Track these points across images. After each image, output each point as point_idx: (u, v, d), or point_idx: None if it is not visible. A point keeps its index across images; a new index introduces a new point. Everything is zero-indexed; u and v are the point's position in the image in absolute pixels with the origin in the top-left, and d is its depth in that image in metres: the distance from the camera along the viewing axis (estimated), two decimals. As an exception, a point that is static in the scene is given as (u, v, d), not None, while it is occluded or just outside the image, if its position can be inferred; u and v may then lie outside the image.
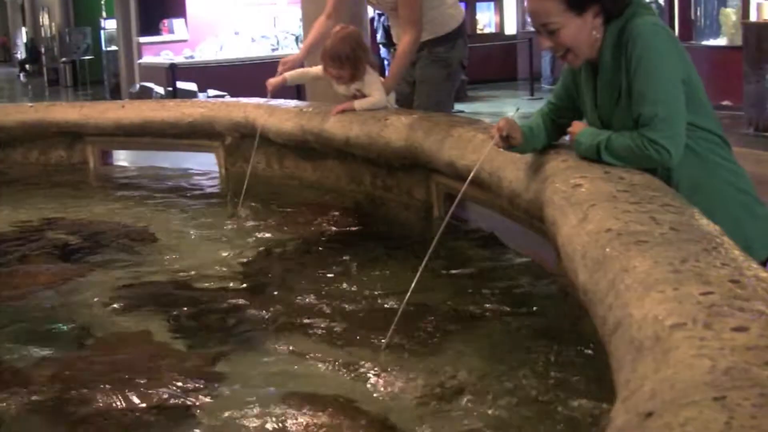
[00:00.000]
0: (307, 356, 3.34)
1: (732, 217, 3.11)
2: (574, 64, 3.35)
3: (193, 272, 4.42)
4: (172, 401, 3.03)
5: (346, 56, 5.38)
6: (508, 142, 3.57)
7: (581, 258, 2.57)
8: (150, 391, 3.08)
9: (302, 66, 5.93)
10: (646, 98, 3.08)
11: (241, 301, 3.95)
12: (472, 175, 3.69)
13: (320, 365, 3.27)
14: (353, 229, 4.96)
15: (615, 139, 3.19)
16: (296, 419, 2.85)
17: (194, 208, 5.88)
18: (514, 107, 4.46)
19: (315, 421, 2.84)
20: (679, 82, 3.09)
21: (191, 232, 5.26)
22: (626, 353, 1.95)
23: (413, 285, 3.49)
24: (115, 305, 4.01)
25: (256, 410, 2.91)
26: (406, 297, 3.49)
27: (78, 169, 7.36)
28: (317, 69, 5.65)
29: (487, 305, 3.76)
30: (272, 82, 5.76)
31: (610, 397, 1.93)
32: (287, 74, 5.71)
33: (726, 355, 1.67)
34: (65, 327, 3.82)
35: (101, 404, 3.02)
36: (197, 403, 3.00)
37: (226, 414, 2.90)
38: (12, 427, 2.96)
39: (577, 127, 3.41)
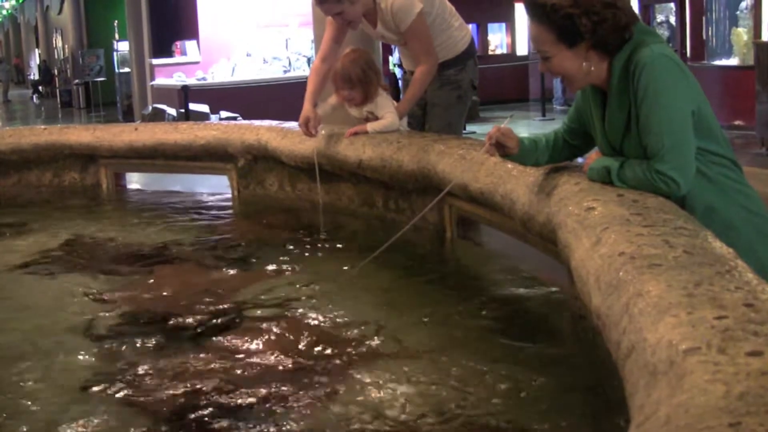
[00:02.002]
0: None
1: (745, 240, 3.12)
2: (570, 90, 3.42)
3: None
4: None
5: (357, 77, 5.41)
6: (503, 151, 3.61)
7: (595, 281, 2.57)
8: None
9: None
10: (652, 129, 3.10)
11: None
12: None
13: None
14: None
15: (627, 168, 3.20)
16: None
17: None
18: (508, 114, 4.47)
19: None
20: (686, 112, 3.10)
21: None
22: (640, 378, 1.94)
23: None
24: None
25: None
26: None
27: (91, 192, 7.39)
28: (333, 97, 5.67)
29: (497, 325, 3.78)
30: (314, 127, 5.58)
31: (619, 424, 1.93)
32: (319, 111, 5.65)
33: (741, 380, 1.67)
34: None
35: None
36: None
37: None
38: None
39: (592, 158, 3.43)
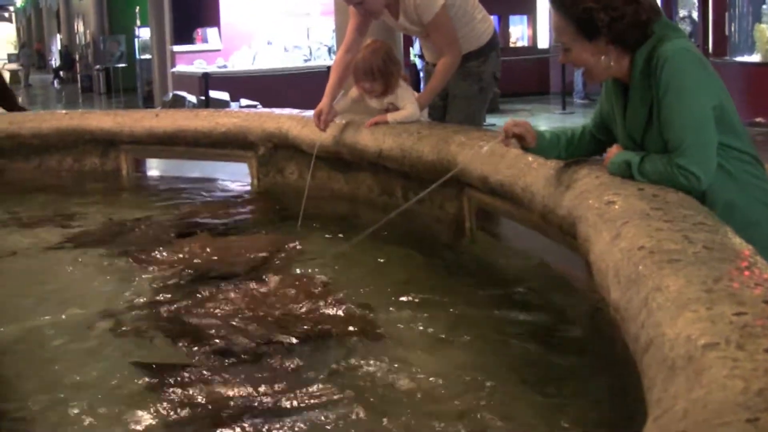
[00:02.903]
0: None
1: (766, 236, 3.11)
2: (590, 81, 3.43)
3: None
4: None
5: (378, 69, 5.40)
6: (520, 143, 3.63)
7: (614, 275, 2.58)
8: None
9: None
10: (673, 124, 3.10)
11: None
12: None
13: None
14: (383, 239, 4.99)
15: (647, 162, 3.20)
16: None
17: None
18: (535, 118, 4.49)
19: None
20: (707, 107, 3.10)
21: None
22: (658, 372, 1.95)
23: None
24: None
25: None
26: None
27: (111, 177, 7.43)
28: (353, 90, 5.67)
29: (517, 316, 3.79)
30: (326, 120, 5.63)
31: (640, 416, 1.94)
32: (336, 106, 5.66)
33: (759, 376, 1.68)
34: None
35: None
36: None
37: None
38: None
39: (612, 153, 3.43)
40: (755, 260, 2.38)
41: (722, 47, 18.36)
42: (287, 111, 6.60)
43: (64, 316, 4.01)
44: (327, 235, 5.25)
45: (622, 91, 3.37)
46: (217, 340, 3.61)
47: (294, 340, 3.57)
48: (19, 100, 9.33)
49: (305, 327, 3.72)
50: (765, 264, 2.36)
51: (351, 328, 3.69)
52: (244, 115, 6.77)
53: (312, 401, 3.02)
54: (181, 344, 3.60)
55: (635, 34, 3.20)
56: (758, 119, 15.86)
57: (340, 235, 5.17)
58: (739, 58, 17.80)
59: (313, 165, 5.68)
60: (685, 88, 3.08)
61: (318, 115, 5.61)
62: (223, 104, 16.06)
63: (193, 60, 20.89)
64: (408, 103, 5.45)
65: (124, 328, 3.82)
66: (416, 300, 4.02)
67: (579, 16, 3.20)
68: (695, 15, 22.90)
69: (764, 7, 17.57)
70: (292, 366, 3.35)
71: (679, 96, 3.08)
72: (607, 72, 3.31)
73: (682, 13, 23.66)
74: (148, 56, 25.76)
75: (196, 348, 3.54)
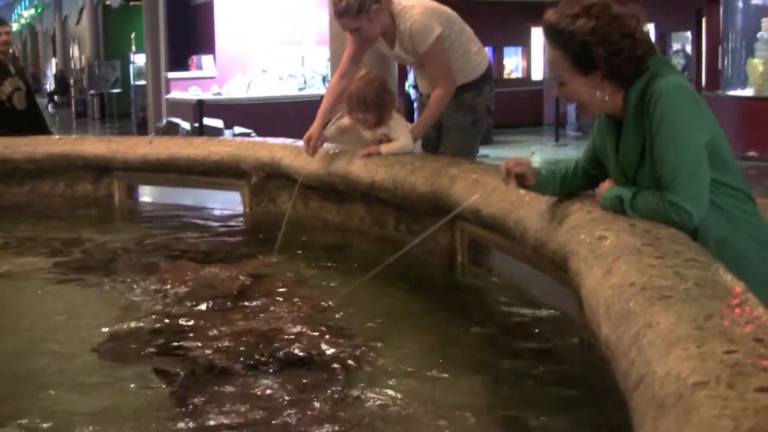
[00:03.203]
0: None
1: (758, 272, 3.12)
2: (584, 114, 3.45)
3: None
4: None
5: (371, 100, 5.41)
6: (519, 182, 3.63)
7: (605, 311, 2.58)
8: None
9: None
10: (667, 160, 3.11)
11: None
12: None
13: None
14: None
15: (640, 197, 3.21)
16: None
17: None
18: (530, 151, 4.50)
19: None
20: (700, 143, 3.10)
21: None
22: (648, 410, 1.94)
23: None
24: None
25: None
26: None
27: (103, 203, 7.42)
28: (345, 119, 5.68)
29: (507, 352, 3.78)
30: (314, 146, 5.67)
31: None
32: (326, 132, 5.68)
33: (749, 415, 1.67)
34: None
35: None
36: None
37: None
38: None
39: (604, 188, 3.43)
40: (746, 297, 2.38)
41: (715, 81, 18.47)
42: (280, 140, 6.60)
43: (50, 342, 3.99)
44: (312, 264, 5.25)
45: (614, 126, 3.37)
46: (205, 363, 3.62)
47: (277, 366, 3.57)
48: None
49: (289, 352, 3.71)
50: (756, 301, 2.36)
51: (336, 356, 3.67)
52: (237, 143, 6.77)
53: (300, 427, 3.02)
54: (170, 369, 3.59)
55: (631, 69, 3.21)
56: (751, 153, 15.90)
57: (329, 264, 5.19)
58: (732, 93, 17.87)
59: (297, 192, 5.72)
60: (678, 125, 3.09)
61: (308, 141, 5.62)
62: (217, 131, 16.06)
63: (187, 87, 20.89)
64: (401, 134, 5.45)
65: (111, 354, 3.82)
66: (403, 331, 4.02)
67: (576, 50, 3.20)
68: (689, 49, 23.02)
69: (757, 42, 17.66)
70: (278, 390, 3.34)
71: (673, 132, 3.09)
72: (601, 106, 3.32)
73: (676, 46, 23.76)
74: (142, 82, 25.79)
75: (183, 373, 3.55)
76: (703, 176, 3.10)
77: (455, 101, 5.57)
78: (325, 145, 5.76)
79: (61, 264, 5.44)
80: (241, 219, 6.70)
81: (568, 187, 3.69)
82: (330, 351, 3.73)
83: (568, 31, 3.20)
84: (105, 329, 4.11)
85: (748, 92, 17.35)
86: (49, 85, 47.25)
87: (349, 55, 5.69)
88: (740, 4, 18.48)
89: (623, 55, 3.17)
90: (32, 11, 55.28)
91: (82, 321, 4.38)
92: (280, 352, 3.70)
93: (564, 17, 3.22)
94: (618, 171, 3.38)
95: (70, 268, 5.34)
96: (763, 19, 17.50)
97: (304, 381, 3.42)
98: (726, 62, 18.49)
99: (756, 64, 17.21)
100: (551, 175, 3.67)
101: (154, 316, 4.29)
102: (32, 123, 8.93)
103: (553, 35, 3.27)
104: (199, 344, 3.84)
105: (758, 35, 17.37)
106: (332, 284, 4.81)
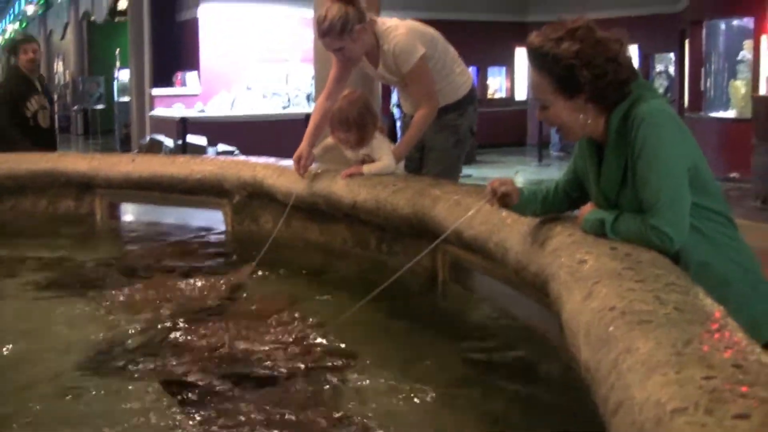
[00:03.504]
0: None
1: (739, 296, 3.14)
2: (566, 139, 3.44)
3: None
4: None
5: (353, 120, 5.41)
6: (503, 201, 3.63)
7: (584, 335, 2.58)
8: None
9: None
10: (648, 184, 3.11)
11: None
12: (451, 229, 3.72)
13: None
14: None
15: (621, 221, 3.22)
16: None
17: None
18: (514, 171, 4.50)
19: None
20: (682, 168, 3.12)
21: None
22: (627, 436, 1.95)
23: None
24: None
25: None
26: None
27: (85, 220, 7.39)
28: (329, 138, 5.68)
29: (486, 371, 3.78)
30: (305, 166, 5.68)
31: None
32: (314, 151, 5.68)
33: (727, 443, 1.67)
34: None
35: None
36: None
37: None
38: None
39: (586, 210, 3.44)
40: (726, 322, 2.39)
41: (698, 103, 18.55)
42: (263, 159, 6.59)
43: (34, 359, 4.01)
44: (295, 283, 5.25)
45: (596, 150, 3.38)
46: (188, 378, 3.65)
47: (257, 384, 3.58)
48: None
49: (270, 370, 3.73)
50: (735, 326, 2.36)
51: (318, 374, 3.69)
52: (220, 162, 6.76)
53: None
54: (148, 386, 3.61)
55: (615, 93, 3.21)
56: (733, 174, 15.97)
57: (313, 283, 5.18)
58: (714, 114, 17.97)
59: (286, 215, 5.68)
60: (660, 149, 3.10)
61: (298, 160, 5.62)
62: (201, 149, 16.05)
63: (171, 103, 20.87)
64: (384, 154, 5.45)
65: (92, 371, 3.83)
66: (382, 352, 4.01)
67: (560, 73, 3.20)
68: (672, 70, 23.11)
69: (739, 64, 17.77)
70: (258, 408, 3.34)
71: (655, 156, 3.10)
72: (583, 130, 3.32)
73: (659, 68, 23.85)
74: (126, 98, 25.76)
75: (164, 387, 3.56)
76: (684, 201, 3.11)
77: (438, 122, 5.58)
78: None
79: (41, 280, 5.43)
80: (223, 238, 6.67)
81: (549, 208, 3.70)
82: (312, 369, 3.74)
83: (552, 54, 3.20)
84: (85, 346, 4.11)
85: (731, 114, 17.46)
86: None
87: (334, 75, 5.70)
88: (722, 27, 18.60)
89: (607, 79, 3.17)
90: (17, 26, 55.17)
91: (62, 338, 4.35)
92: (260, 370, 3.71)
93: (548, 40, 3.22)
94: (600, 194, 3.39)
95: (50, 285, 5.33)
96: (745, 42, 17.61)
97: (285, 399, 3.42)
98: (708, 84, 18.60)
99: (738, 86, 17.32)
100: (533, 195, 3.68)
101: (135, 332, 4.29)
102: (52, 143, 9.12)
103: (537, 58, 3.27)
104: (179, 360, 3.85)
105: (740, 54, 17.48)
106: (317, 305, 4.80)
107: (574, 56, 3.16)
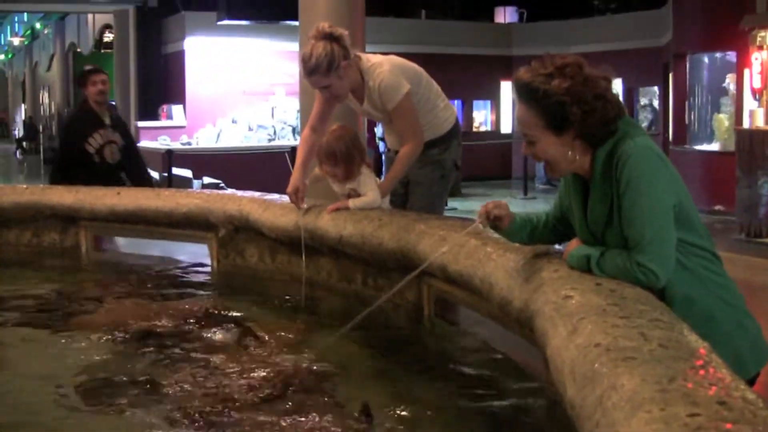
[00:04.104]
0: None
1: (723, 332, 3.14)
2: (552, 174, 3.43)
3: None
4: None
5: (341, 155, 5.42)
6: (495, 224, 3.65)
7: (570, 372, 2.58)
8: None
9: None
10: (634, 221, 3.12)
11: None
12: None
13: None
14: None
15: (607, 257, 3.22)
16: None
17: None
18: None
19: None
20: (667, 204, 3.12)
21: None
22: (612, 474, 1.95)
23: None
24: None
25: None
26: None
27: (70, 253, 7.37)
28: (317, 170, 5.69)
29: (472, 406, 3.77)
30: (302, 198, 5.66)
31: None
32: (307, 181, 5.68)
33: (711, 482, 1.68)
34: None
35: None
36: None
37: None
38: None
39: (572, 246, 3.45)
40: (710, 358, 2.40)
41: (682, 136, 18.64)
42: (249, 193, 6.59)
43: (19, 391, 4.03)
44: (280, 314, 5.25)
45: (581, 186, 3.39)
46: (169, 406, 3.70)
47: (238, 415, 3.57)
48: None
49: (253, 401, 3.74)
50: (720, 362, 2.37)
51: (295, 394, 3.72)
52: (205, 196, 6.75)
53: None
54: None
55: (603, 130, 3.21)
56: (717, 207, 16.04)
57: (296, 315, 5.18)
58: (698, 147, 18.06)
59: (303, 248, 5.70)
60: (645, 186, 3.10)
61: (295, 193, 5.60)
62: (186, 182, 16.06)
63: (157, 136, 20.92)
64: (369, 189, 5.46)
65: (81, 401, 3.87)
66: (368, 386, 4.00)
67: (551, 110, 3.18)
68: (656, 104, 23.25)
69: (722, 98, 17.89)
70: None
71: (640, 194, 3.10)
72: (570, 166, 3.32)
73: (643, 101, 24.00)
74: (112, 130, 25.74)
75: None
76: (669, 238, 3.12)
77: (423, 157, 5.59)
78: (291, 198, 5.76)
79: (24, 313, 5.45)
80: (209, 271, 6.66)
81: (537, 238, 3.71)
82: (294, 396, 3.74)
83: (542, 90, 3.18)
84: (69, 378, 4.12)
85: (714, 147, 17.54)
86: (18, 132, 47.12)
87: (318, 111, 5.70)
88: (706, 60, 18.72)
89: (596, 116, 3.17)
90: (2, 56, 55.30)
91: (44, 370, 4.37)
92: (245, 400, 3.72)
93: (538, 76, 3.21)
94: (585, 230, 3.39)
95: (32, 317, 5.35)
96: (728, 75, 17.73)
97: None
98: (692, 117, 18.71)
99: (722, 119, 17.43)
100: (524, 223, 3.68)
101: (113, 362, 4.35)
102: (133, 178, 8.67)
103: (526, 93, 3.25)
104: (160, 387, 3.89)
105: (725, 84, 17.59)
106: (298, 335, 4.80)
107: (564, 93, 3.16)
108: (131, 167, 8.76)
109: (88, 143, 8.33)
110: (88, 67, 8.76)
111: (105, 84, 8.48)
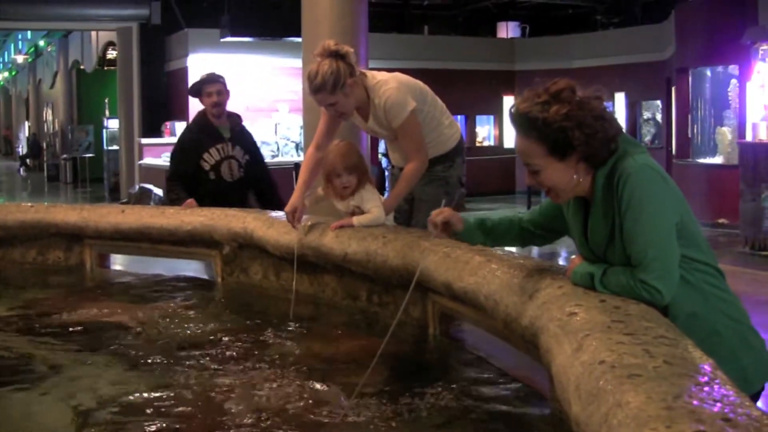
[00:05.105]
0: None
1: (728, 347, 3.16)
2: (556, 201, 3.43)
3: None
4: None
5: (354, 163, 5.41)
6: (447, 231, 3.71)
7: (575, 389, 2.58)
8: None
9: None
10: (636, 239, 3.13)
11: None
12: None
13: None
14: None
15: (610, 274, 3.23)
16: None
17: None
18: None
19: None
20: (670, 222, 3.13)
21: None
22: (618, 492, 1.95)
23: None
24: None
25: None
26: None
27: (75, 271, 7.37)
28: (320, 189, 5.68)
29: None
30: (299, 218, 5.65)
31: None
32: (306, 202, 5.67)
33: (716, 499, 1.68)
34: None
35: None
36: None
37: None
38: None
39: (575, 263, 3.46)
40: (715, 375, 2.40)
41: (685, 150, 18.65)
42: (253, 211, 6.60)
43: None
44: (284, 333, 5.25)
45: (581, 207, 3.40)
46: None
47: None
48: None
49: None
50: (725, 378, 2.37)
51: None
52: (210, 213, 6.75)
53: None
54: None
55: (605, 150, 3.21)
56: (721, 220, 16.04)
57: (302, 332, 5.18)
58: (701, 160, 18.06)
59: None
60: (647, 204, 3.11)
61: (292, 212, 5.59)
62: (190, 198, 16.05)
63: (161, 153, 20.93)
64: (374, 206, 5.46)
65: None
66: (372, 404, 3.98)
67: (553, 136, 3.18)
68: (659, 117, 23.25)
69: (725, 111, 17.90)
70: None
71: (642, 212, 3.11)
72: (574, 190, 3.32)
73: (646, 115, 24.01)
74: (115, 147, 25.84)
75: None
76: (672, 255, 3.13)
77: (427, 174, 5.60)
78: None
79: (29, 332, 5.44)
80: (213, 288, 6.66)
81: (498, 239, 3.80)
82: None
83: (542, 118, 3.17)
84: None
85: (718, 160, 17.54)
86: (22, 149, 47.21)
87: (323, 128, 5.71)
88: (708, 74, 18.74)
89: (599, 137, 3.18)
90: (6, 74, 55.42)
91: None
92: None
93: (534, 105, 3.20)
94: (586, 248, 3.40)
95: (38, 337, 5.33)
96: (730, 89, 17.74)
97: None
98: (696, 130, 18.71)
99: (724, 132, 17.44)
100: (479, 223, 3.73)
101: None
102: (260, 198, 7.85)
103: (525, 124, 3.23)
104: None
105: (729, 90, 17.59)
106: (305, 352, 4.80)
107: (564, 119, 3.15)
108: (257, 185, 7.84)
109: (204, 159, 7.53)
110: (203, 77, 7.86)
111: (221, 95, 7.61)
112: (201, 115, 7.72)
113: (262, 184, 7.90)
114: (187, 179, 7.51)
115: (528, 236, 3.73)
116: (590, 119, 3.17)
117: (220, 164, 7.51)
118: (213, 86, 7.55)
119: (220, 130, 7.62)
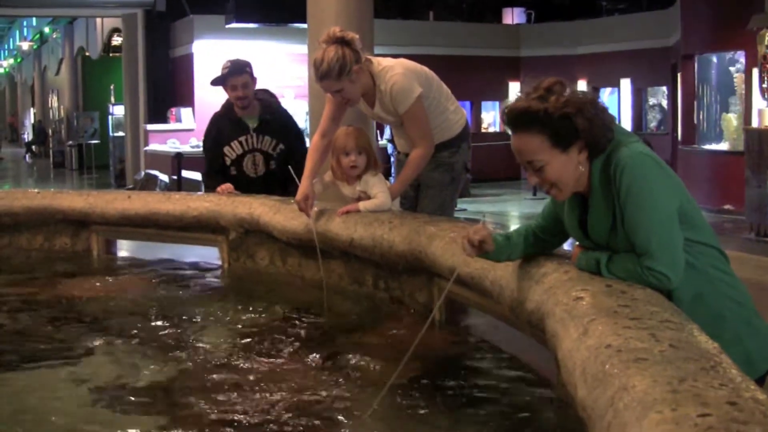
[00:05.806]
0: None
1: (732, 331, 3.16)
2: (558, 198, 3.41)
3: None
4: None
5: (364, 145, 5.44)
6: (481, 249, 3.65)
7: (581, 374, 2.59)
8: None
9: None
10: (639, 228, 3.13)
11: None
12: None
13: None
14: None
15: (617, 260, 3.24)
16: None
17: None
18: (482, 216, 4.49)
19: None
20: (670, 208, 3.13)
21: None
22: (624, 475, 1.97)
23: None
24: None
25: None
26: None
27: (81, 257, 7.38)
28: (327, 174, 5.68)
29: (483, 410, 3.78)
30: (311, 206, 5.62)
31: None
32: (315, 188, 5.66)
33: (721, 481, 1.69)
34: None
35: None
36: None
37: None
38: None
39: (578, 251, 3.46)
40: (720, 359, 2.41)
41: (691, 136, 18.62)
42: (260, 196, 6.59)
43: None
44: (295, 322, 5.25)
45: (577, 202, 3.40)
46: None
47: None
48: None
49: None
50: (730, 363, 2.38)
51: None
52: (216, 199, 6.75)
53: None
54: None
55: (605, 137, 3.22)
56: (727, 206, 16.03)
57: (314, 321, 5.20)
58: (707, 147, 18.04)
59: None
60: (645, 193, 3.12)
61: (304, 200, 5.58)
62: (196, 184, 16.05)
63: (166, 139, 20.95)
64: (380, 192, 5.47)
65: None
66: (377, 391, 3.99)
67: (556, 126, 3.18)
68: (665, 104, 23.22)
69: (731, 97, 17.87)
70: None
71: (641, 201, 3.12)
72: (577, 183, 3.31)
73: (652, 101, 23.98)
74: (121, 134, 25.83)
75: None
76: (676, 240, 3.13)
77: (433, 160, 5.60)
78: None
79: (38, 318, 5.46)
80: (219, 274, 6.68)
81: (523, 252, 3.75)
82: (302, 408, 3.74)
83: (543, 109, 3.17)
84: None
85: (723, 146, 17.52)
86: (27, 135, 47.25)
87: (329, 114, 5.71)
88: (714, 60, 18.70)
89: (598, 122, 3.19)
90: (11, 61, 55.41)
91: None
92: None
93: (532, 100, 3.21)
94: (587, 243, 3.41)
95: (44, 323, 5.35)
96: (735, 75, 17.71)
97: None
98: (701, 117, 18.68)
99: (730, 118, 17.41)
100: (506, 241, 3.71)
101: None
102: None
103: (527, 120, 3.23)
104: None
105: (734, 77, 17.56)
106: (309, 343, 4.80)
107: (564, 105, 3.16)
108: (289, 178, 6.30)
109: (225, 153, 7.11)
110: (226, 63, 7.20)
111: (246, 87, 7.05)
112: (225, 106, 7.33)
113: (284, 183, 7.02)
114: (215, 171, 7.21)
115: (540, 243, 3.73)
116: (589, 105, 3.18)
117: (243, 158, 7.08)
118: (238, 78, 7.01)
119: (245, 120, 7.13)
